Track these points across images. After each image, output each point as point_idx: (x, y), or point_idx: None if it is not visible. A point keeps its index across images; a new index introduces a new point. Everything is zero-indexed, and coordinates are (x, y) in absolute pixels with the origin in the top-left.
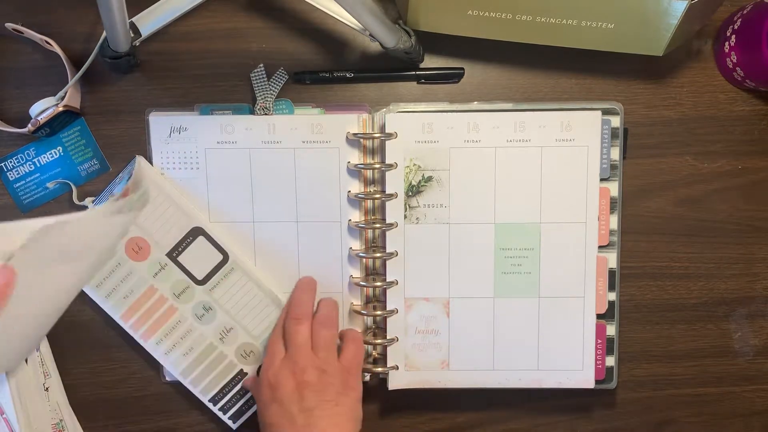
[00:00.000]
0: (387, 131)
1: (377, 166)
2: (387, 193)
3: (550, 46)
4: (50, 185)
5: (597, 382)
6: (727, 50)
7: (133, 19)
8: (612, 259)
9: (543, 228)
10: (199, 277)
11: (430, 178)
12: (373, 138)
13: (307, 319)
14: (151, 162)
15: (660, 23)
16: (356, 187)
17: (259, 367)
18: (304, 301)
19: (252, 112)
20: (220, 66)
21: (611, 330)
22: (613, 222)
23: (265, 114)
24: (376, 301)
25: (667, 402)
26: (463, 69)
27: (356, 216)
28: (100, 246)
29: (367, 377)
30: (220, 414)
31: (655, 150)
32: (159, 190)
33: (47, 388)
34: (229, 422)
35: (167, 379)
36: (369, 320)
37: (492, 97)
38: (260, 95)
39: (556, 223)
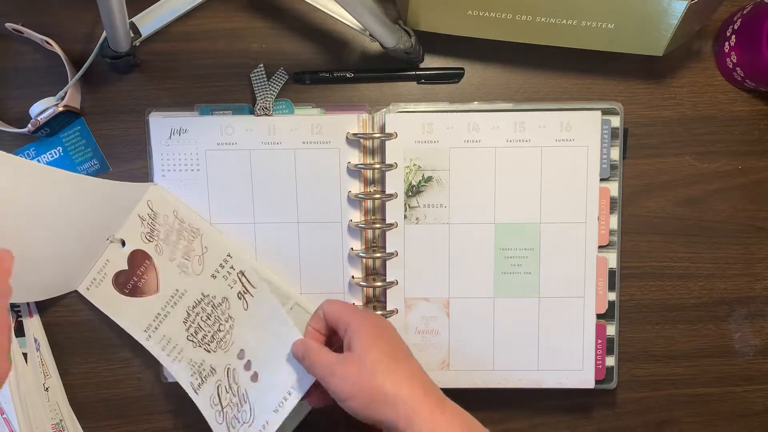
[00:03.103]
0: (387, 131)
1: (377, 166)
2: (387, 193)
3: (550, 46)
4: None
5: (597, 382)
6: (727, 50)
7: (133, 19)
8: (612, 259)
9: (543, 228)
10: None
11: (430, 178)
12: (373, 138)
13: None
14: (151, 162)
15: (660, 23)
16: (356, 187)
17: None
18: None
19: (252, 112)
20: (220, 66)
21: (611, 330)
22: (613, 222)
23: (265, 114)
24: (376, 301)
25: (667, 402)
26: (463, 69)
27: (356, 216)
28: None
29: None
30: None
31: (655, 150)
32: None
33: (47, 388)
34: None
35: (167, 379)
36: None
37: (492, 97)
38: (260, 95)
39: (556, 223)
